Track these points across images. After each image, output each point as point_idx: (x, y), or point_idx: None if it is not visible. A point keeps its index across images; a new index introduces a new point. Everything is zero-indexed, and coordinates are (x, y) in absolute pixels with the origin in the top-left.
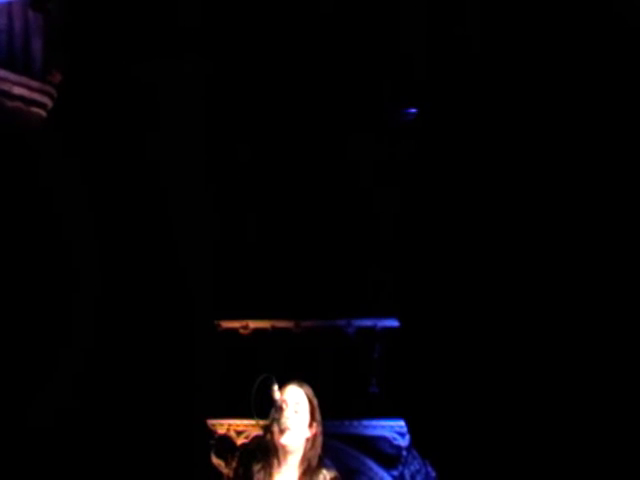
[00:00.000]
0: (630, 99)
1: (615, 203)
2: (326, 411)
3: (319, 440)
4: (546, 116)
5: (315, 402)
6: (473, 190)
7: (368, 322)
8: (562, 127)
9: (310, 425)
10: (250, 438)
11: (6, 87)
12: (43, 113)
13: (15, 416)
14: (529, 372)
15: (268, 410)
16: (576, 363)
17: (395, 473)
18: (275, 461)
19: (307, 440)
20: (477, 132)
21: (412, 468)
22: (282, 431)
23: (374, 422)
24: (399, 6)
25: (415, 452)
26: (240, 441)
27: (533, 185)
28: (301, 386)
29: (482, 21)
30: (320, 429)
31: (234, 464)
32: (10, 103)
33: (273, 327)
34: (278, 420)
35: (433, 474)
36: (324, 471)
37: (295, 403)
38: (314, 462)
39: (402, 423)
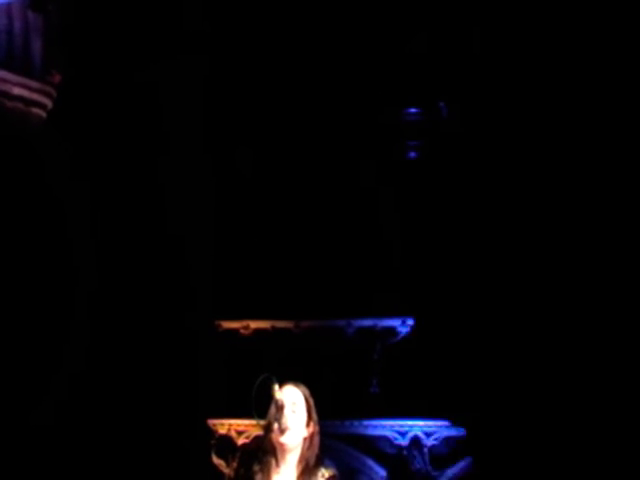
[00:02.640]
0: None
1: (619, 213)
2: (326, 411)
3: (316, 440)
4: (556, 126)
5: (311, 402)
6: (480, 191)
7: (368, 322)
8: (572, 134)
9: (307, 425)
10: (251, 438)
11: (6, 88)
12: (43, 114)
13: (14, 415)
14: (534, 372)
15: (268, 410)
16: (583, 365)
17: (396, 472)
18: (273, 461)
19: (304, 440)
20: (485, 139)
21: (412, 467)
22: (282, 430)
23: (374, 422)
24: (401, 9)
25: (416, 452)
26: (241, 441)
27: (543, 191)
28: (297, 386)
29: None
30: (317, 428)
31: (235, 464)
32: (10, 104)
33: (273, 327)
34: (279, 420)
35: (434, 473)
36: (322, 470)
37: (292, 403)
38: (312, 461)
39: (402, 423)
